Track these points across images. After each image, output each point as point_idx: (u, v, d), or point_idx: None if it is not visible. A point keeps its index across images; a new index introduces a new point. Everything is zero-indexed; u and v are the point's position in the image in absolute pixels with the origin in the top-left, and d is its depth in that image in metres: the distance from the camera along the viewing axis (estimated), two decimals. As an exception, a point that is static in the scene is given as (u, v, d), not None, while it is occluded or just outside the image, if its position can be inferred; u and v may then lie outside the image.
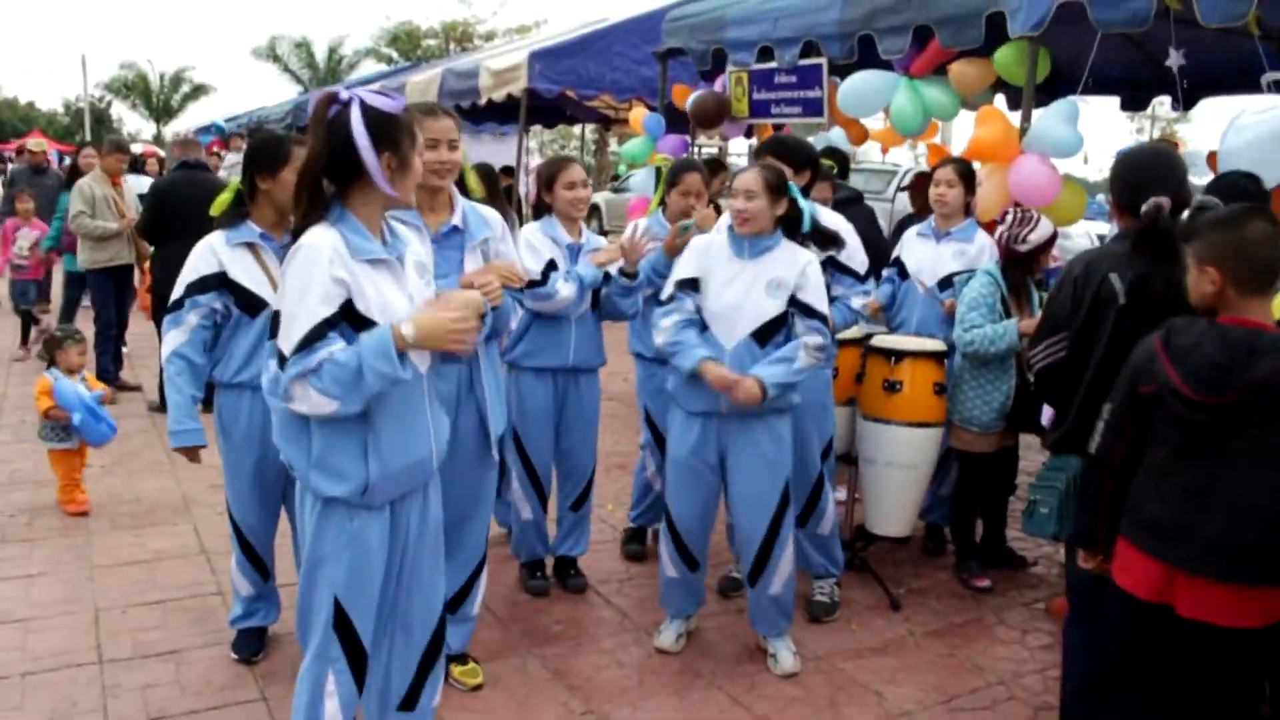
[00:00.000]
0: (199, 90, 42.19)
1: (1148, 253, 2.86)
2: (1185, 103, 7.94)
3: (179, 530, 4.86)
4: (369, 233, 2.47)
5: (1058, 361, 2.95)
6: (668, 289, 3.69)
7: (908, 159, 19.56)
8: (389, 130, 2.42)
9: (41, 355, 5.57)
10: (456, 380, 3.30)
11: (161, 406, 6.90)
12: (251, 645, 3.66)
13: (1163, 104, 8.34)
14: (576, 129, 23.06)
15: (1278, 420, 2.38)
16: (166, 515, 5.06)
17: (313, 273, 2.35)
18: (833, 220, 4.07)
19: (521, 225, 6.24)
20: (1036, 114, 5.05)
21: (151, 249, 7.19)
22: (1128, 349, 2.68)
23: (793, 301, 3.53)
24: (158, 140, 35.49)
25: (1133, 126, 31.74)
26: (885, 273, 4.93)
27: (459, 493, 3.32)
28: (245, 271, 3.42)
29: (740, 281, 3.55)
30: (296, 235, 2.43)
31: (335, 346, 2.35)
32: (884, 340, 4.34)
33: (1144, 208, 2.88)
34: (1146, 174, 3.01)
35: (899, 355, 4.23)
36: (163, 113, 41.64)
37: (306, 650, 2.59)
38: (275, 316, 2.44)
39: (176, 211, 6.67)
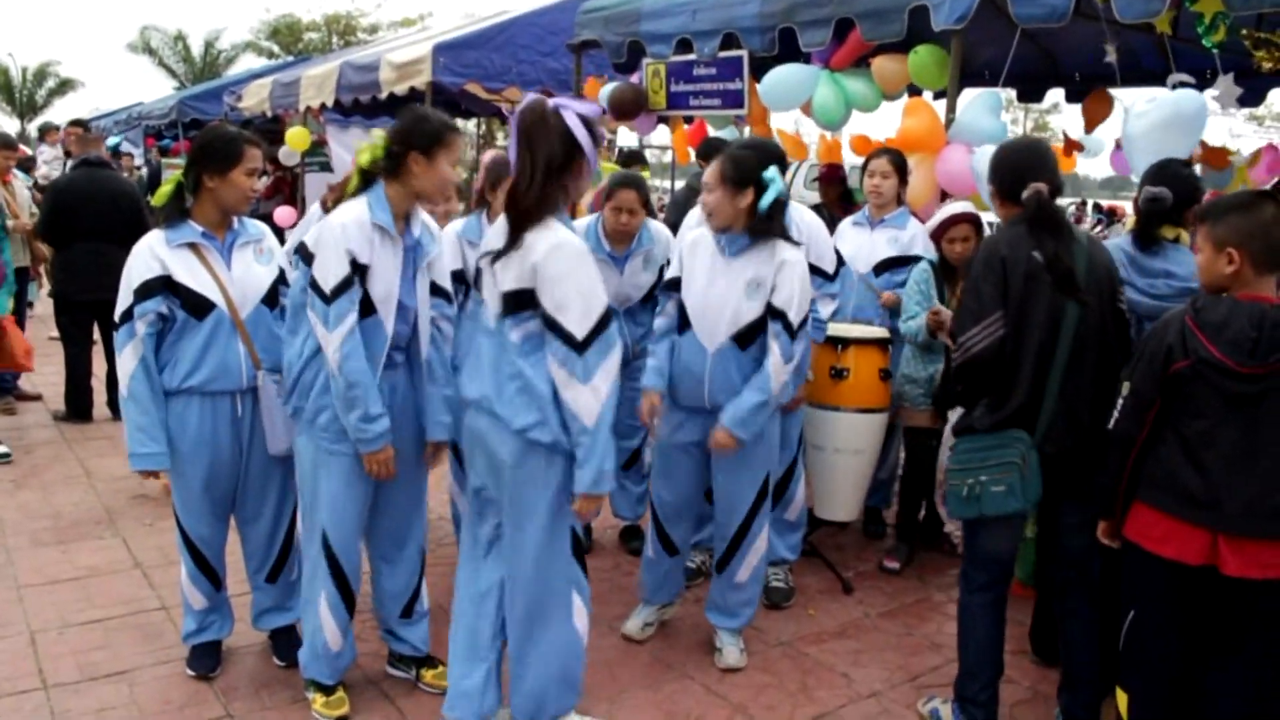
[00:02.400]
0: (65, 85, 40.20)
1: (1046, 233, 3.03)
2: (1078, 95, 8.29)
3: (107, 545, 4.64)
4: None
5: (997, 340, 3.00)
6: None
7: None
8: (594, 131, 2.82)
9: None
10: (397, 383, 3.24)
11: (69, 416, 6.66)
12: (208, 660, 3.52)
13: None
14: (461, 122, 22.83)
15: None
16: (91, 529, 4.83)
17: (590, 268, 2.78)
18: (804, 218, 4.08)
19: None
20: (960, 105, 5.19)
21: (50, 252, 6.87)
22: (1058, 323, 2.93)
23: (767, 304, 3.44)
24: (22, 138, 33.75)
25: (1008, 118, 32.85)
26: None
27: (401, 494, 3.35)
28: (189, 273, 3.28)
29: (721, 281, 3.49)
30: (520, 232, 2.77)
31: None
32: (830, 328, 4.40)
33: (1025, 194, 3.07)
34: (1025, 164, 3.16)
35: (845, 343, 4.31)
36: (27, 108, 39.62)
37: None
38: (515, 297, 2.80)
39: (78, 211, 6.40)
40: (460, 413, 3.15)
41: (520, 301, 2.79)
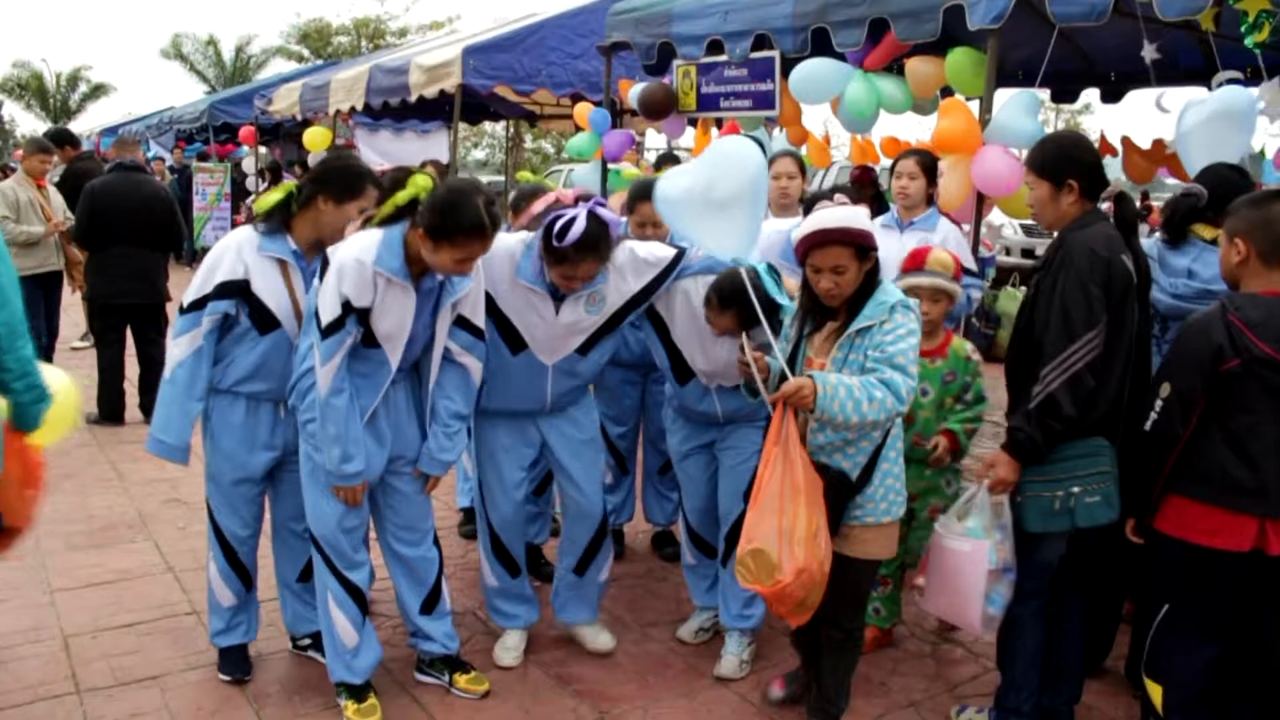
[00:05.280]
0: (98, 90, 40.68)
1: (1130, 234, 3.00)
2: (1113, 95, 8.17)
3: (139, 548, 4.66)
4: None
5: (1100, 353, 2.87)
6: None
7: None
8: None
9: None
10: (402, 393, 3.28)
11: (101, 419, 6.69)
12: (240, 664, 3.51)
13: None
14: (489, 125, 23.01)
15: None
16: (124, 533, 4.84)
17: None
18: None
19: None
20: (997, 105, 5.12)
21: (85, 255, 6.95)
22: (1140, 328, 2.91)
23: None
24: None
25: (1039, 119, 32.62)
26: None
27: (407, 490, 3.34)
28: (268, 287, 3.25)
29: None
30: None
31: None
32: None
33: (1106, 192, 3.05)
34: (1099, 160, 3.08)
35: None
36: (60, 113, 40.09)
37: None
38: None
39: (115, 216, 6.45)
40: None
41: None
